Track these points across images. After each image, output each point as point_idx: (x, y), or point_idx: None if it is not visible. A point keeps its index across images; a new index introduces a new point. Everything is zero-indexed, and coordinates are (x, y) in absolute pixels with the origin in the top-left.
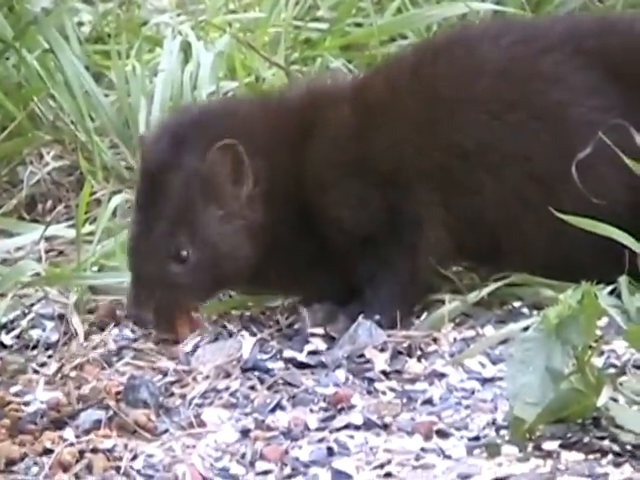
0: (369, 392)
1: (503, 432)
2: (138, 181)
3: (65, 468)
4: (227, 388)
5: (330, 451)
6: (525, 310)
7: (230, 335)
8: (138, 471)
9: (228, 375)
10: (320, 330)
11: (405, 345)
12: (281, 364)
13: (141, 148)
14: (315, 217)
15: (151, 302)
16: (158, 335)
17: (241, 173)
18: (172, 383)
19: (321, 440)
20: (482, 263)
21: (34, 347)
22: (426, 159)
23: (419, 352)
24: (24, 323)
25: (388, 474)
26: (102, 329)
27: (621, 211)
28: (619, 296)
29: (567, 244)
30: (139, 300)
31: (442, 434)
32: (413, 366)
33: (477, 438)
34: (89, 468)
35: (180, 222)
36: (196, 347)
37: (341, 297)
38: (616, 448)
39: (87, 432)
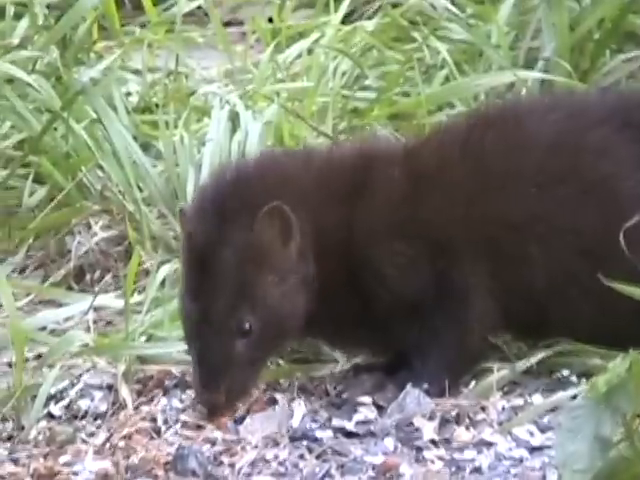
0: (417, 460)
1: None
2: (185, 260)
3: None
4: (276, 457)
5: None
6: (573, 378)
7: (278, 404)
8: None
9: (277, 444)
10: (368, 399)
11: (453, 413)
12: (330, 433)
13: (182, 223)
14: (362, 276)
15: (222, 384)
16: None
17: (289, 232)
18: (221, 452)
19: None
20: (529, 334)
21: (83, 417)
22: (474, 229)
23: (467, 420)
24: (73, 393)
25: None
26: (151, 399)
27: None
28: None
29: (615, 315)
30: (209, 384)
31: None
32: (461, 434)
33: None
34: None
35: (238, 296)
36: (244, 417)
37: (389, 366)
38: None
39: None
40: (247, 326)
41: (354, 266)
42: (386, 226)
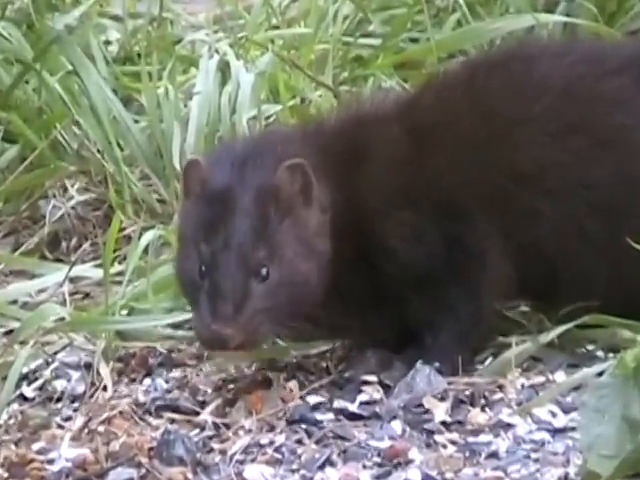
0: (428, 445)
1: None
2: (201, 204)
3: None
4: (271, 442)
5: None
6: (600, 353)
7: (273, 384)
8: None
9: (272, 428)
10: (374, 378)
11: (467, 393)
12: (331, 415)
13: (192, 173)
14: (370, 250)
15: (236, 318)
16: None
17: (310, 194)
18: (210, 437)
19: None
20: (541, 299)
21: (58, 399)
22: (484, 183)
23: (483, 401)
24: (47, 373)
25: None
26: (133, 379)
27: None
28: None
29: (630, 277)
30: (223, 315)
31: None
32: (476, 416)
33: None
34: None
35: (258, 237)
36: (235, 399)
37: (397, 341)
38: None
39: None
40: (264, 271)
41: (361, 240)
42: (388, 193)
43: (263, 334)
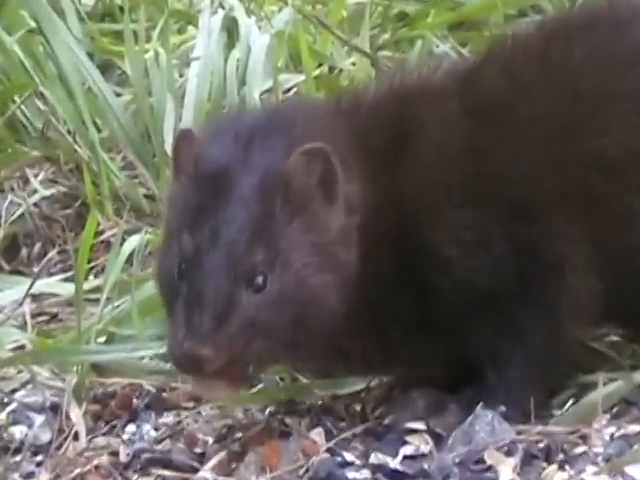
0: None
1: None
2: (190, 186)
3: None
4: None
5: None
6: None
7: (292, 433)
8: None
9: None
10: (421, 425)
11: (541, 446)
12: (366, 474)
13: (182, 147)
14: (417, 261)
15: (216, 335)
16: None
17: (332, 189)
18: None
19: None
20: (632, 325)
21: (17, 451)
22: (564, 175)
23: (561, 455)
24: (2, 417)
25: None
26: (113, 426)
27: None
28: None
29: None
30: (198, 329)
31: None
32: (553, 475)
33: None
34: None
35: (256, 235)
36: (244, 450)
37: (451, 378)
38: None
39: None
40: (260, 280)
41: (405, 249)
42: (442, 189)
43: (253, 359)
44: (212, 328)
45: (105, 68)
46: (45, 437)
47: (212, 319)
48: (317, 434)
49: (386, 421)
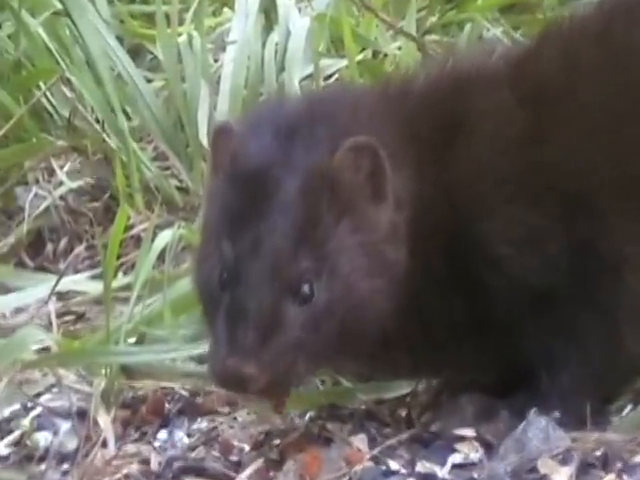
0: None
1: None
2: (229, 186)
3: None
4: None
5: None
6: None
7: (334, 440)
8: None
9: None
10: (471, 432)
11: (598, 454)
12: None
13: (219, 143)
14: (467, 259)
15: (261, 352)
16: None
17: (382, 186)
18: None
19: None
20: None
21: (41, 459)
22: (626, 168)
23: (619, 464)
24: (26, 423)
25: None
26: (144, 433)
27: None
28: None
29: None
30: (241, 346)
31: None
32: None
33: None
34: None
35: (302, 240)
36: (283, 458)
37: (502, 383)
38: None
39: None
40: (307, 288)
41: (454, 244)
42: (495, 183)
43: (298, 377)
44: (256, 345)
45: (135, 53)
46: (71, 444)
47: (256, 335)
48: (360, 441)
49: (433, 428)
